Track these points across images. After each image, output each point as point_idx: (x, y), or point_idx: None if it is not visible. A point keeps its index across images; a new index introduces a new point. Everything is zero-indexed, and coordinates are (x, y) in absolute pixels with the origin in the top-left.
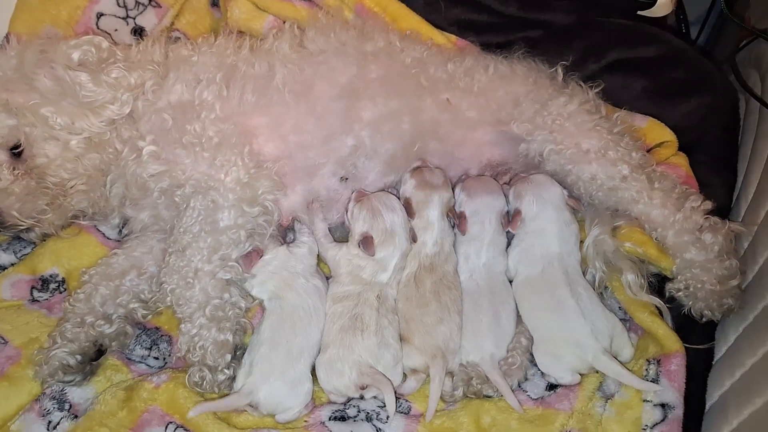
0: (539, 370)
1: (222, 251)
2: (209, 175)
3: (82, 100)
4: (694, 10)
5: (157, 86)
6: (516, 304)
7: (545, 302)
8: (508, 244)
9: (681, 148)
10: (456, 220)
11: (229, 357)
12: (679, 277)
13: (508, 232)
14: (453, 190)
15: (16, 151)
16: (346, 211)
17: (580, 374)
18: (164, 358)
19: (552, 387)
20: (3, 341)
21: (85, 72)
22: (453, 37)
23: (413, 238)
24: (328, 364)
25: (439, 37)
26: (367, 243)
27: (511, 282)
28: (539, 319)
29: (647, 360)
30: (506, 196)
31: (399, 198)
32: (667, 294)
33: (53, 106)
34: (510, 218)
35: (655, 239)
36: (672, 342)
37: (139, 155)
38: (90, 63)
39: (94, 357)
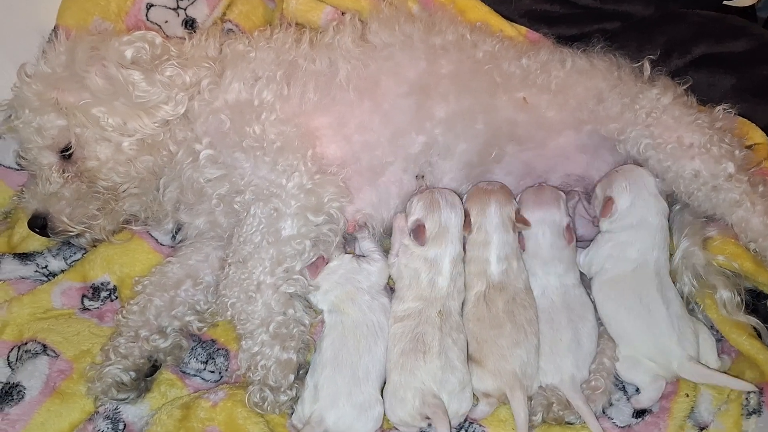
0: (625, 394)
1: (286, 263)
2: (270, 181)
3: (135, 100)
4: None
5: (213, 85)
6: (595, 319)
7: (631, 304)
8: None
9: None
10: (520, 222)
11: (292, 377)
12: None
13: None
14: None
15: (66, 153)
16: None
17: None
18: (220, 372)
19: (639, 414)
20: (54, 354)
21: (138, 71)
22: (523, 30)
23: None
24: (391, 393)
25: (509, 29)
26: (418, 231)
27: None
28: (622, 321)
29: None
30: (566, 206)
31: None
32: None
33: (105, 106)
34: (573, 230)
35: (753, 251)
36: None
37: (195, 158)
38: (143, 61)
39: (148, 373)
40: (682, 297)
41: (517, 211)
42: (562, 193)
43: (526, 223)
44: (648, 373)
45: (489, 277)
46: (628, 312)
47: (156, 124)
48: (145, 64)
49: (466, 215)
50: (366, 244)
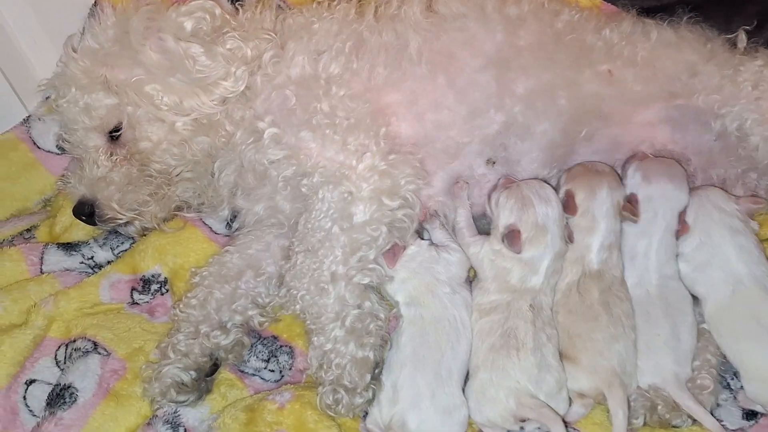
0: (732, 394)
1: (361, 251)
2: (340, 162)
3: (194, 75)
4: None
5: (277, 58)
6: (694, 314)
7: (749, 330)
8: None
9: None
10: (627, 211)
11: (368, 377)
12: None
13: None
14: (626, 171)
15: (114, 135)
16: (489, 200)
17: None
18: (281, 371)
19: (750, 415)
20: (106, 352)
21: (197, 44)
22: (597, 1)
23: (569, 238)
24: (479, 392)
25: (584, 0)
26: (512, 237)
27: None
28: (746, 351)
29: None
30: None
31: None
32: None
33: (159, 83)
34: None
35: None
36: None
37: (257, 139)
38: (203, 33)
39: (209, 372)
40: None
41: (625, 198)
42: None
43: (633, 213)
44: None
45: (586, 264)
46: (749, 339)
47: (214, 102)
48: (205, 37)
49: (570, 197)
50: (439, 234)
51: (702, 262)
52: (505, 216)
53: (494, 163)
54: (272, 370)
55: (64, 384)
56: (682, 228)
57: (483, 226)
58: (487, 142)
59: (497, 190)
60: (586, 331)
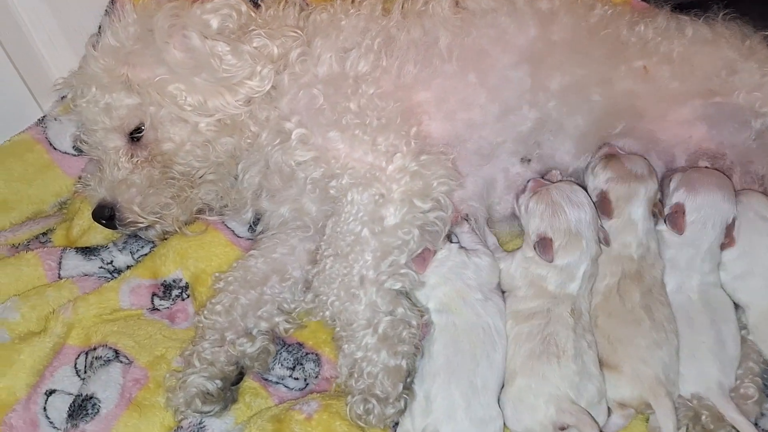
0: None
1: (392, 256)
2: (370, 163)
3: (220, 75)
4: None
5: (304, 56)
6: (737, 321)
7: None
8: None
9: None
10: (661, 215)
11: (401, 387)
12: None
13: None
14: (665, 183)
15: (136, 136)
16: (517, 202)
17: None
18: (306, 380)
19: None
20: (127, 360)
21: (223, 42)
22: None
23: (605, 241)
24: (516, 399)
25: None
26: (544, 246)
27: None
28: None
29: None
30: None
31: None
32: None
33: (183, 82)
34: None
35: None
36: None
37: (284, 140)
38: (229, 30)
39: (234, 381)
40: None
41: (657, 193)
42: None
43: (661, 213)
44: None
45: (625, 264)
46: None
47: (239, 103)
48: (230, 35)
49: (606, 201)
50: (468, 239)
51: (743, 271)
52: (535, 223)
53: (530, 161)
54: (296, 378)
55: (86, 394)
56: (729, 242)
57: (519, 226)
58: (520, 140)
59: (525, 194)
60: (628, 336)
